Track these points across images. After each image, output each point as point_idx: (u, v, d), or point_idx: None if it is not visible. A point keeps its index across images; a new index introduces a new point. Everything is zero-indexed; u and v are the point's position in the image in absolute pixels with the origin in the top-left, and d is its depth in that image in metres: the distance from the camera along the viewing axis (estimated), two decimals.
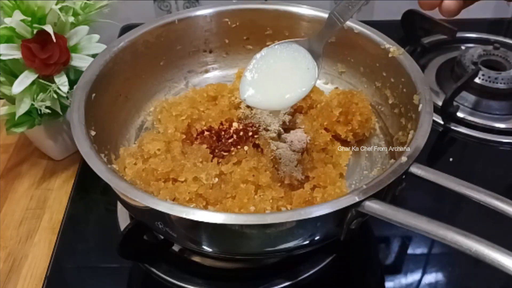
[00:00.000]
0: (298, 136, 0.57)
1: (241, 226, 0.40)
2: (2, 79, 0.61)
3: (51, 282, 0.56)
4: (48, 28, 0.57)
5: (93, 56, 0.62)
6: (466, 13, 0.42)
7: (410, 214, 0.39)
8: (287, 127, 0.60)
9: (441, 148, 0.73)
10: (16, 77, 0.59)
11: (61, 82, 0.61)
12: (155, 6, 0.97)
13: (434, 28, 0.88)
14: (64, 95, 0.61)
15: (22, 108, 0.60)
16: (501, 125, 0.75)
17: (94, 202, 0.66)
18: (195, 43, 0.69)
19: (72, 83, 0.61)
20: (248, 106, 0.61)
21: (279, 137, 0.58)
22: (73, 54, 0.62)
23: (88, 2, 0.64)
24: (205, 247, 0.46)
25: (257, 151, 0.54)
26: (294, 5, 0.67)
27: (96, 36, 0.65)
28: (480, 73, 0.77)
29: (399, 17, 0.91)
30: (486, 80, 0.77)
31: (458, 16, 0.40)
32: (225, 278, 0.54)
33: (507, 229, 0.47)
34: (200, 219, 0.39)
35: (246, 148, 0.54)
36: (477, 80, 0.77)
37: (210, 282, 0.53)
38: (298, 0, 0.70)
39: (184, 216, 0.39)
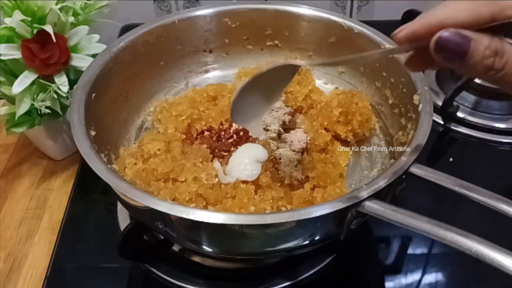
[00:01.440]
0: (298, 136, 0.58)
1: (241, 226, 0.40)
2: (2, 79, 0.61)
3: (51, 282, 0.56)
4: (48, 28, 0.57)
5: (93, 56, 0.62)
6: None
7: (410, 214, 0.39)
8: (287, 127, 0.60)
9: (441, 148, 0.73)
10: (16, 77, 0.59)
11: (61, 82, 0.61)
12: (155, 6, 0.97)
13: None
14: (64, 95, 0.61)
15: (22, 108, 0.60)
16: (501, 125, 0.75)
17: (94, 202, 0.66)
18: (195, 43, 0.69)
19: (72, 83, 0.61)
20: None
21: (279, 137, 0.58)
22: (73, 54, 0.62)
23: (88, 2, 0.64)
24: (205, 247, 0.46)
25: None
26: (294, 5, 0.67)
27: (96, 36, 0.65)
28: None
29: (399, 17, 0.91)
30: None
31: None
32: (225, 278, 0.54)
33: (507, 229, 0.47)
34: (200, 219, 0.39)
35: None
36: (477, 80, 0.77)
37: (210, 282, 0.53)
38: (298, 0, 0.70)
39: (184, 216, 0.39)
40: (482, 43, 0.31)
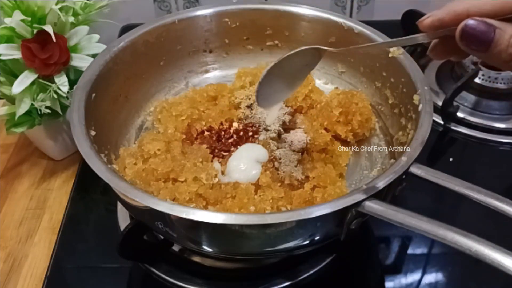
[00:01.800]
0: (298, 136, 0.58)
1: (241, 226, 0.40)
2: (2, 79, 0.61)
3: (51, 282, 0.56)
4: (48, 28, 0.57)
5: (93, 56, 0.62)
6: None
7: (410, 214, 0.39)
8: (287, 127, 0.60)
9: (441, 148, 0.73)
10: (16, 77, 0.59)
11: (61, 82, 0.61)
12: (155, 6, 0.97)
13: None
14: (64, 95, 0.61)
15: (22, 108, 0.60)
16: (501, 125, 0.75)
17: (94, 202, 0.66)
18: (195, 43, 0.69)
19: (72, 83, 0.61)
20: (248, 106, 0.61)
21: (279, 137, 0.58)
22: (73, 54, 0.62)
23: (88, 2, 0.64)
24: (205, 247, 0.46)
25: None
26: (294, 5, 0.68)
27: (96, 36, 0.65)
28: (480, 73, 0.77)
29: (399, 17, 0.91)
30: (486, 80, 0.77)
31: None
32: (225, 278, 0.54)
33: (507, 229, 0.47)
34: (200, 219, 0.39)
35: None
36: (477, 80, 0.77)
37: (210, 282, 0.53)
38: (298, 0, 0.70)
39: (184, 216, 0.39)
40: (507, 32, 0.32)
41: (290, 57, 0.44)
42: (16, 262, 0.59)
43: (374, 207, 0.40)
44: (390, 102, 0.60)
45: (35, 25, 0.58)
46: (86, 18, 0.64)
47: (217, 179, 0.51)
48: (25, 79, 0.59)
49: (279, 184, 0.52)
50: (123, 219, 0.59)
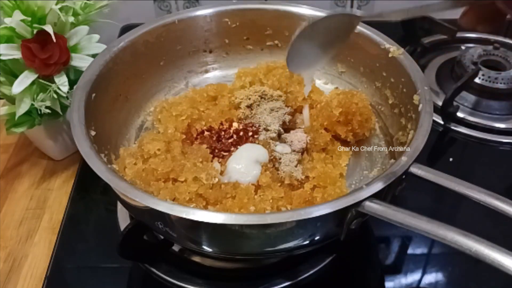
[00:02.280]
0: (298, 136, 0.58)
1: (241, 226, 0.40)
2: (2, 79, 0.61)
3: (51, 282, 0.56)
4: (48, 28, 0.57)
5: (93, 56, 0.62)
6: None
7: (410, 214, 0.39)
8: (287, 127, 0.60)
9: (441, 148, 0.73)
10: (16, 77, 0.59)
11: (61, 82, 0.61)
12: (155, 6, 0.97)
13: (434, 28, 0.88)
14: (64, 95, 0.61)
15: (22, 108, 0.60)
16: (501, 125, 0.75)
17: (94, 202, 0.66)
18: (195, 43, 0.69)
19: (72, 83, 0.61)
20: (248, 106, 0.61)
21: (279, 137, 0.58)
22: (73, 54, 0.62)
23: (88, 2, 0.64)
24: (205, 247, 0.46)
25: None
26: (294, 5, 0.68)
27: (96, 36, 0.65)
28: (480, 73, 0.77)
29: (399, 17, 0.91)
30: (486, 80, 0.77)
31: (458, 16, 0.40)
32: (225, 278, 0.54)
33: (507, 229, 0.47)
34: (200, 219, 0.39)
35: None
36: (477, 80, 0.77)
37: (210, 282, 0.53)
38: (298, 0, 0.70)
39: (184, 216, 0.39)
40: None
41: (323, 21, 0.44)
42: (16, 262, 0.59)
43: (374, 207, 0.40)
44: (390, 102, 0.60)
45: (35, 25, 0.58)
46: (86, 18, 0.64)
47: (217, 179, 0.51)
48: (25, 79, 0.59)
49: (279, 184, 0.52)
50: (123, 219, 0.59)
